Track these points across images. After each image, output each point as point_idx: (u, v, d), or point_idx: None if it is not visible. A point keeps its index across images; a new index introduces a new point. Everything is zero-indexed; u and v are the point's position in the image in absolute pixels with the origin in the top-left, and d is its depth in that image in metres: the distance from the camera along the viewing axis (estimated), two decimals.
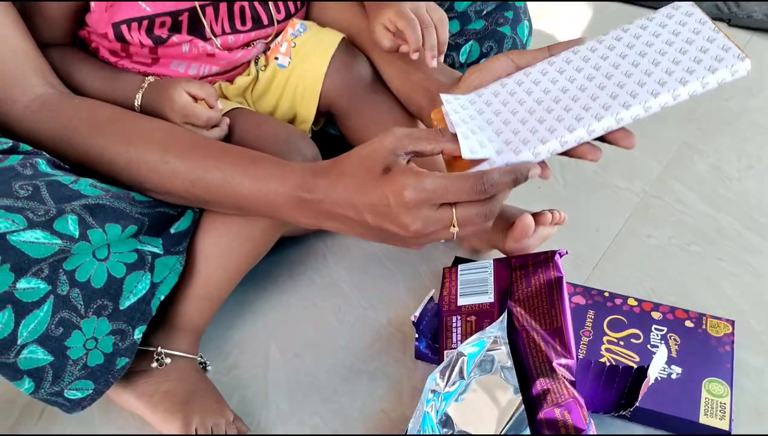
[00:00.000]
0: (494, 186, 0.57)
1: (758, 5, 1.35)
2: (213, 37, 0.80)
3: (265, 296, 0.88)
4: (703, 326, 0.78)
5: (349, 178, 0.60)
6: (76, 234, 0.62)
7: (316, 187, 0.62)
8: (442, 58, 0.76)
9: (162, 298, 0.70)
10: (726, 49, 0.60)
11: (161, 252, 0.70)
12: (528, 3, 0.96)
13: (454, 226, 0.59)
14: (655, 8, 1.35)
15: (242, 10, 0.80)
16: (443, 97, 0.64)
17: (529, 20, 0.96)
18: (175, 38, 0.77)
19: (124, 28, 0.75)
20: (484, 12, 0.92)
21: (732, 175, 1.02)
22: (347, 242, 0.95)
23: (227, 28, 0.81)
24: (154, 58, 0.79)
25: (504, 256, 0.85)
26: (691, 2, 0.65)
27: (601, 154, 0.62)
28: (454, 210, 0.58)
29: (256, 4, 0.81)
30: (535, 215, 0.80)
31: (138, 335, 0.69)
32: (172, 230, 0.72)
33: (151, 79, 0.77)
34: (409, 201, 0.57)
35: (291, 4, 0.85)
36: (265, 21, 0.83)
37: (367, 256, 0.93)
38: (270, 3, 0.82)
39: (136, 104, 0.76)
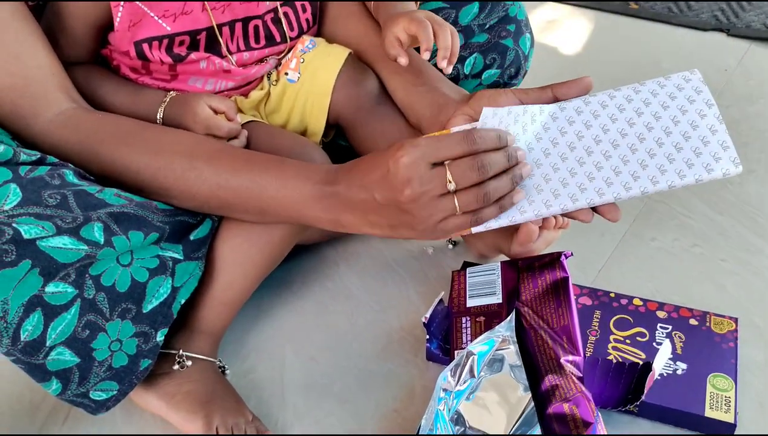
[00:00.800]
0: (483, 139, 0.64)
1: (756, 15, 1.38)
2: (229, 55, 0.83)
3: (280, 302, 0.91)
4: (707, 324, 0.80)
5: (365, 163, 0.67)
6: (101, 240, 0.65)
7: (336, 179, 0.68)
8: (450, 69, 0.79)
9: (182, 301, 0.73)
10: (725, 147, 0.65)
11: (181, 258, 0.73)
12: (531, 17, 1.00)
13: (449, 181, 0.63)
14: (660, 21, 1.39)
15: (256, 28, 0.84)
16: (485, 110, 0.68)
17: (531, 33, 0.99)
18: (193, 56, 0.81)
19: (145, 46, 0.79)
20: (487, 26, 0.95)
21: (733, 179, 1.04)
22: (358, 249, 0.98)
23: (242, 46, 0.84)
24: (173, 75, 0.83)
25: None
26: (701, 78, 0.69)
27: (593, 216, 0.69)
28: (447, 167, 0.63)
29: (269, 23, 0.85)
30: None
31: (160, 337, 0.71)
32: (192, 237, 0.75)
33: (173, 93, 0.81)
34: (404, 161, 0.62)
35: (304, 22, 0.88)
36: (278, 38, 0.87)
37: (377, 262, 0.96)
38: (283, 21, 0.86)
39: (158, 117, 0.80)
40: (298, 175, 0.69)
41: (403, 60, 0.80)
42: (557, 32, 1.42)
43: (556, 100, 0.73)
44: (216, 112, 0.79)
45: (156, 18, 0.78)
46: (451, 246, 0.97)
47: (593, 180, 0.67)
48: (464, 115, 0.74)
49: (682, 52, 1.33)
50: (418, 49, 0.79)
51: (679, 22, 1.39)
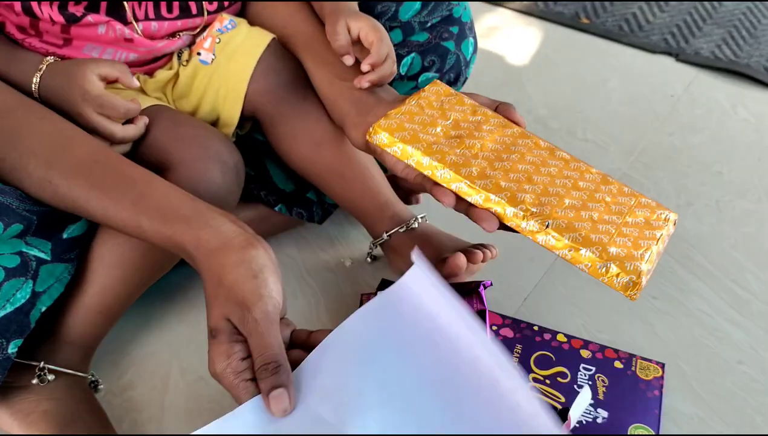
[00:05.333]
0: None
1: (706, 42, 1.35)
2: (134, 22, 0.73)
3: (172, 308, 0.81)
4: (633, 368, 0.75)
5: (214, 295, 0.55)
6: None
7: (197, 264, 0.57)
8: (365, 85, 0.73)
9: (43, 309, 0.63)
10: None
11: (48, 258, 0.63)
12: (478, 22, 0.93)
13: None
14: (609, 38, 1.35)
15: None
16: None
17: (475, 38, 0.92)
18: (90, 18, 0.71)
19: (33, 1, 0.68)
20: (429, 24, 0.88)
21: None
22: None
23: (151, 14, 0.74)
24: (66, 39, 0.72)
25: None
26: None
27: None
28: None
29: None
30: (467, 253, 0.76)
31: (12, 349, 0.61)
32: (65, 235, 0.65)
33: (51, 59, 0.70)
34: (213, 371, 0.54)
35: None
36: (194, 10, 0.77)
37: (288, 271, 0.88)
38: None
39: (33, 88, 0.69)
40: (158, 231, 0.58)
41: (349, 60, 0.73)
42: (503, 40, 1.35)
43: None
44: (108, 80, 0.69)
45: None
46: (369, 260, 0.89)
47: None
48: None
49: (630, 73, 1.28)
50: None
51: (628, 41, 1.35)
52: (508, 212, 0.61)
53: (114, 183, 0.60)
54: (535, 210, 0.61)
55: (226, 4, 0.79)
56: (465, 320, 0.53)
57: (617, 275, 0.58)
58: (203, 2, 0.77)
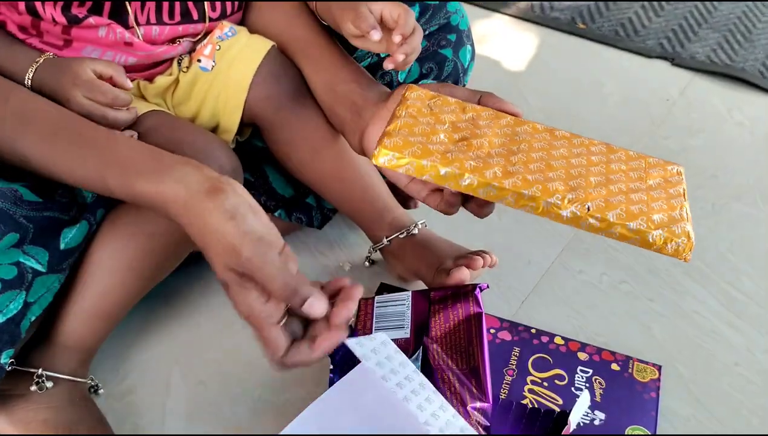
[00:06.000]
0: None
1: (702, 47, 1.36)
2: (136, 26, 0.74)
3: (172, 313, 0.82)
4: (630, 370, 0.76)
5: (205, 247, 0.56)
6: None
7: (176, 218, 0.57)
8: (403, 65, 0.72)
9: (33, 319, 0.63)
10: None
11: (44, 270, 0.63)
12: (475, 27, 0.93)
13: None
14: (606, 43, 1.36)
15: (172, 2, 0.75)
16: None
17: (472, 45, 0.93)
18: (92, 20, 0.71)
19: (37, 1, 0.69)
20: (427, 32, 0.89)
21: None
22: None
23: (153, 19, 0.75)
24: (66, 40, 0.73)
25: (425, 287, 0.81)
26: None
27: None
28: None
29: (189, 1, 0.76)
30: (467, 261, 0.76)
31: (5, 359, 0.61)
32: (62, 246, 0.65)
33: (49, 55, 0.70)
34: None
35: (228, 4, 0.80)
36: (196, 16, 0.77)
37: None
38: (206, 1, 0.77)
39: (26, 78, 0.69)
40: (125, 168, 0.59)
41: (376, 34, 0.70)
42: (501, 45, 1.36)
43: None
44: (102, 77, 0.70)
45: None
46: (368, 264, 0.89)
47: None
48: None
49: (626, 77, 1.29)
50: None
51: (624, 46, 1.36)
52: (544, 205, 0.58)
53: (78, 146, 0.60)
54: (571, 196, 0.59)
55: (228, 12, 0.80)
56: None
57: (668, 241, 0.58)
58: (205, 4, 0.77)
